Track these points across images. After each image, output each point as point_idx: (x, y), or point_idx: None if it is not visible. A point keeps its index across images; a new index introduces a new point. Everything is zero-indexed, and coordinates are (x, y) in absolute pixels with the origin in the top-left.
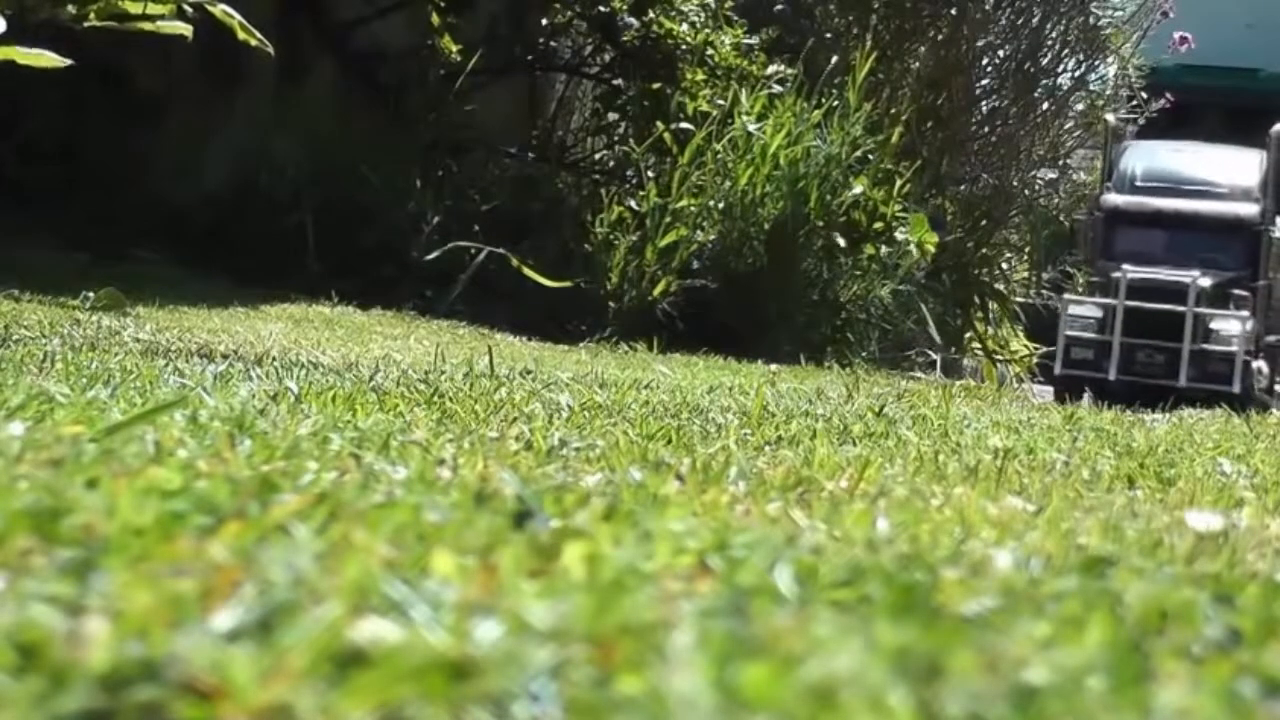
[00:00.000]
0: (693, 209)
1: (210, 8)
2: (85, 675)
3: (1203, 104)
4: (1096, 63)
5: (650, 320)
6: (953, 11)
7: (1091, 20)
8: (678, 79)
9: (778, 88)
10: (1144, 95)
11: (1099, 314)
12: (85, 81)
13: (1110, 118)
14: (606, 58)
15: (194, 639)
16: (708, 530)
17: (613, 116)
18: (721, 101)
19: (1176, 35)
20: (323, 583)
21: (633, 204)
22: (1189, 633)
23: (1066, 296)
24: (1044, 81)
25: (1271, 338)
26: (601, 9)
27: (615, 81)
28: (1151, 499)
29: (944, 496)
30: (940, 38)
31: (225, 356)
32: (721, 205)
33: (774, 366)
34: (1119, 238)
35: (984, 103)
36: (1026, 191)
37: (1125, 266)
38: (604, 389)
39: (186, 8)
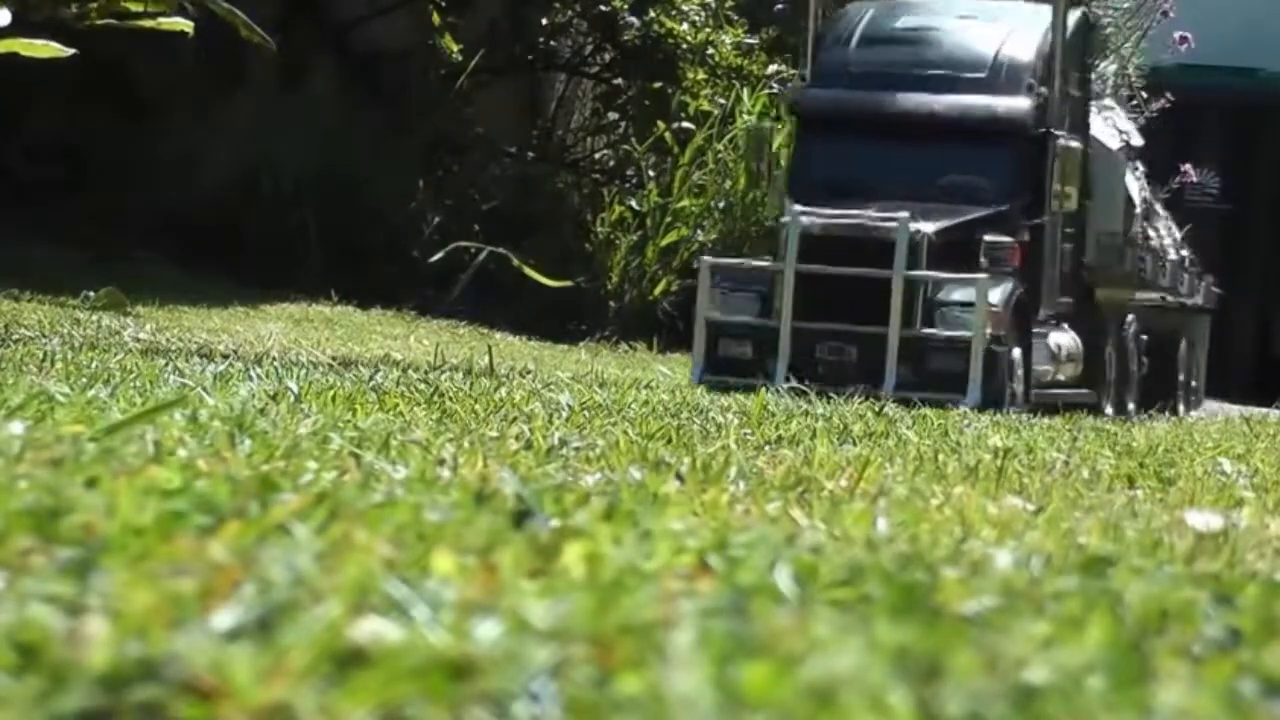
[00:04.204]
0: (694, 209)
1: (212, 5)
2: (85, 675)
3: (1203, 104)
4: (1096, 62)
5: (650, 320)
6: None
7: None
8: (678, 78)
9: (778, 87)
10: (1144, 95)
11: (762, 285)
12: (87, 83)
13: None
14: (606, 57)
15: (194, 639)
16: (708, 530)
17: (613, 116)
18: (722, 101)
19: (1176, 35)
20: (323, 582)
21: (633, 204)
22: (1189, 632)
23: (707, 258)
24: None
25: (1065, 300)
26: (602, 8)
27: (615, 81)
28: (1151, 498)
29: (944, 496)
30: None
31: (225, 356)
32: (723, 205)
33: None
34: (813, 158)
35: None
36: None
37: (796, 208)
38: (604, 389)
39: (187, 5)
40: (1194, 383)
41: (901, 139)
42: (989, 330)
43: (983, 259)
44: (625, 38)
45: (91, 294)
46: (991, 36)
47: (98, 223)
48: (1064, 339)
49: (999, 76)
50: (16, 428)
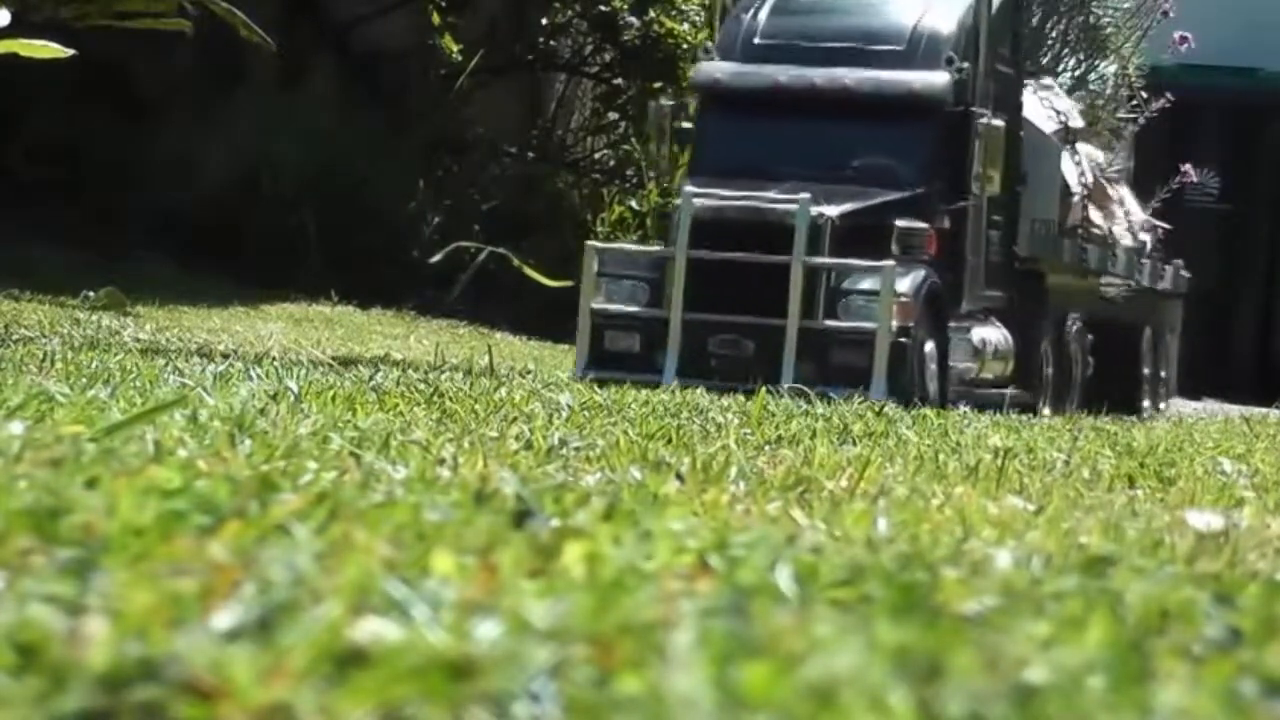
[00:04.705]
0: None
1: (212, 5)
2: (85, 675)
3: (1203, 104)
4: (1096, 62)
5: None
6: None
7: (1091, 20)
8: (678, 78)
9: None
10: (1144, 95)
11: (650, 272)
12: (87, 83)
13: None
14: (606, 57)
15: (194, 639)
16: (708, 529)
17: (613, 116)
18: None
19: (1176, 35)
20: (323, 582)
21: (634, 204)
22: (1189, 632)
23: (593, 243)
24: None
25: (993, 293)
26: (602, 8)
27: (615, 81)
28: (1152, 498)
29: (944, 496)
30: None
31: (225, 356)
32: None
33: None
34: (714, 137)
35: None
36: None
37: (689, 189)
38: (604, 388)
39: (187, 5)
40: (1163, 373)
41: (810, 116)
42: (896, 322)
43: (895, 246)
44: (625, 38)
45: (91, 294)
46: (910, 7)
47: (98, 223)
48: (991, 334)
49: (917, 50)
50: (16, 428)
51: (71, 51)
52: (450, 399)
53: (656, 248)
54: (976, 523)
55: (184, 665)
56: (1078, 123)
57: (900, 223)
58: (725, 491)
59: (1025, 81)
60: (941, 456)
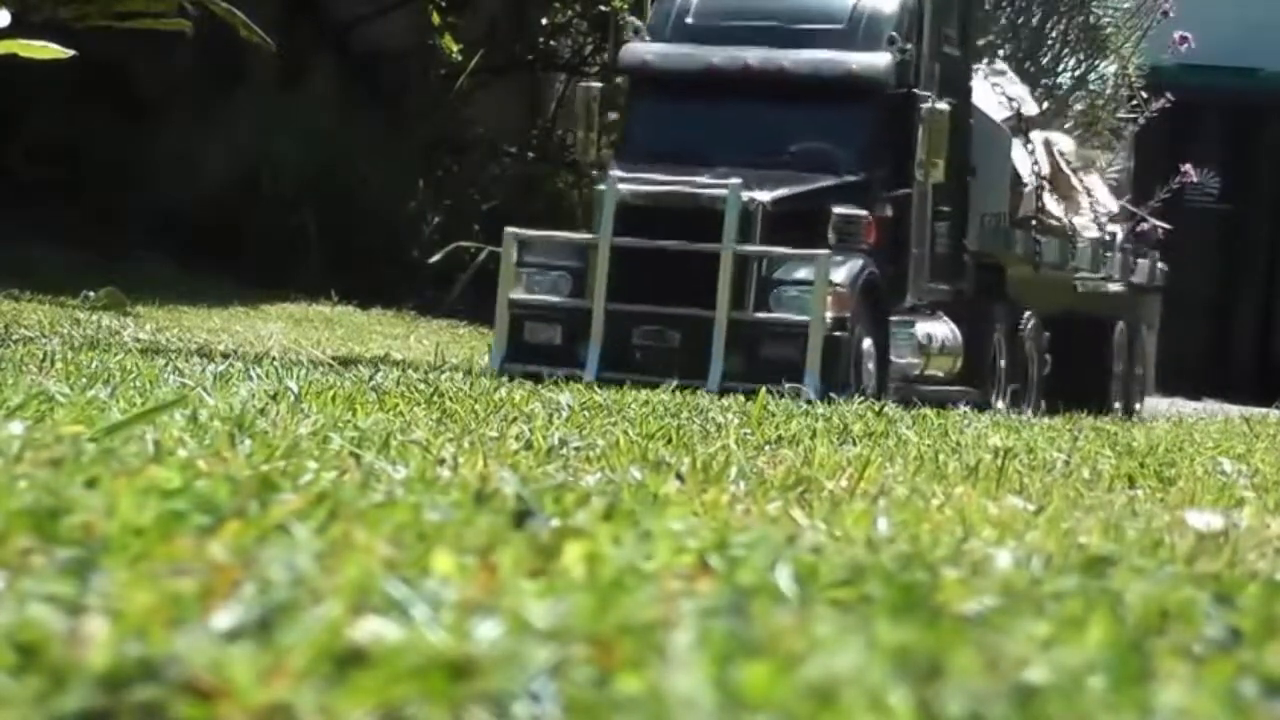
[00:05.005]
0: None
1: (212, 5)
2: (85, 675)
3: (1203, 104)
4: (1097, 62)
5: None
6: None
7: (1091, 20)
8: None
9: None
10: (1144, 95)
11: (573, 261)
12: (87, 83)
13: None
14: (606, 57)
15: (194, 639)
16: (708, 529)
17: (613, 116)
18: None
19: (1176, 35)
20: (323, 582)
21: None
22: (1189, 632)
23: (511, 229)
24: (1044, 81)
25: (939, 286)
26: (602, 8)
27: (616, 81)
28: (1152, 498)
29: (944, 496)
30: None
31: (225, 356)
32: None
33: None
34: (644, 121)
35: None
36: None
37: (614, 173)
38: (604, 388)
39: (187, 5)
40: (1139, 370)
41: (744, 99)
42: (830, 314)
43: (832, 234)
44: (626, 38)
45: (91, 294)
46: None
47: (98, 223)
48: (937, 329)
49: (857, 29)
50: (16, 428)
51: (71, 52)
52: (450, 399)
53: (579, 235)
54: (976, 523)
55: (184, 665)
56: (1031, 110)
57: (838, 210)
58: (725, 491)
59: (975, 66)
60: (941, 456)
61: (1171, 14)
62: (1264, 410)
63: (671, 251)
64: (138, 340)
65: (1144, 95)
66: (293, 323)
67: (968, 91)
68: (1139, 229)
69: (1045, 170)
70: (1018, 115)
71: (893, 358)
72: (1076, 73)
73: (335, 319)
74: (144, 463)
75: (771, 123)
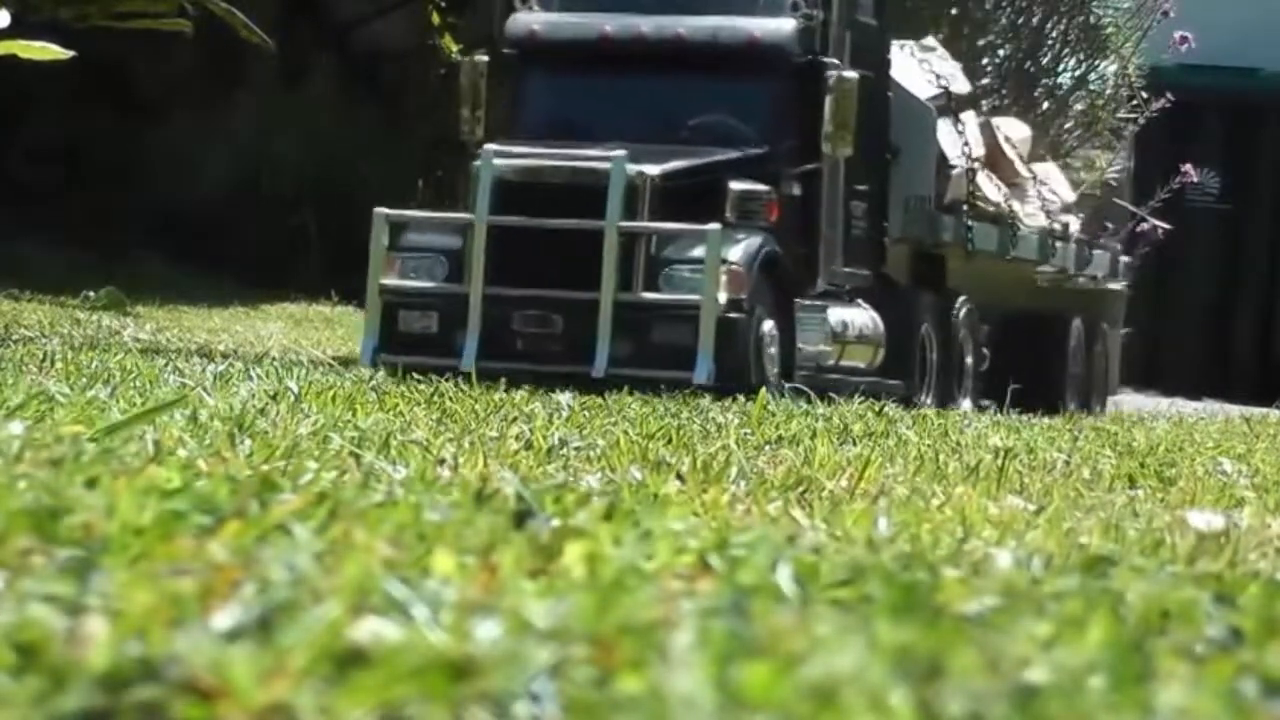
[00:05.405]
0: None
1: (211, 5)
2: (85, 675)
3: (1203, 104)
4: (1097, 62)
5: None
6: (953, 11)
7: (1091, 20)
8: None
9: None
10: (1144, 95)
11: (450, 243)
12: (87, 83)
13: None
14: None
15: (194, 639)
16: (708, 529)
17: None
18: None
19: (1176, 35)
20: (323, 582)
21: None
22: (1190, 632)
23: (381, 210)
24: (1044, 81)
25: (858, 271)
26: None
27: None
28: (1152, 498)
29: (944, 496)
30: (940, 38)
31: (225, 356)
32: None
33: None
34: (530, 94)
35: (984, 102)
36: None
37: (490, 147)
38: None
39: (187, 5)
40: (1099, 370)
41: (639, 70)
42: (725, 294)
43: (730, 211)
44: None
45: (91, 294)
46: None
47: (98, 223)
48: (856, 317)
49: None
50: (16, 428)
51: (71, 54)
52: (450, 399)
53: (456, 215)
54: (977, 523)
55: (184, 665)
56: (962, 88)
57: (736, 185)
58: (725, 491)
59: (902, 42)
60: (941, 456)
61: (1171, 14)
62: (1264, 410)
63: (554, 231)
64: (138, 340)
65: (1144, 95)
66: (293, 323)
67: (885, 64)
68: (1139, 228)
69: (979, 152)
70: (946, 94)
71: (800, 344)
72: (1076, 73)
73: (335, 319)
74: (144, 463)
75: (668, 94)
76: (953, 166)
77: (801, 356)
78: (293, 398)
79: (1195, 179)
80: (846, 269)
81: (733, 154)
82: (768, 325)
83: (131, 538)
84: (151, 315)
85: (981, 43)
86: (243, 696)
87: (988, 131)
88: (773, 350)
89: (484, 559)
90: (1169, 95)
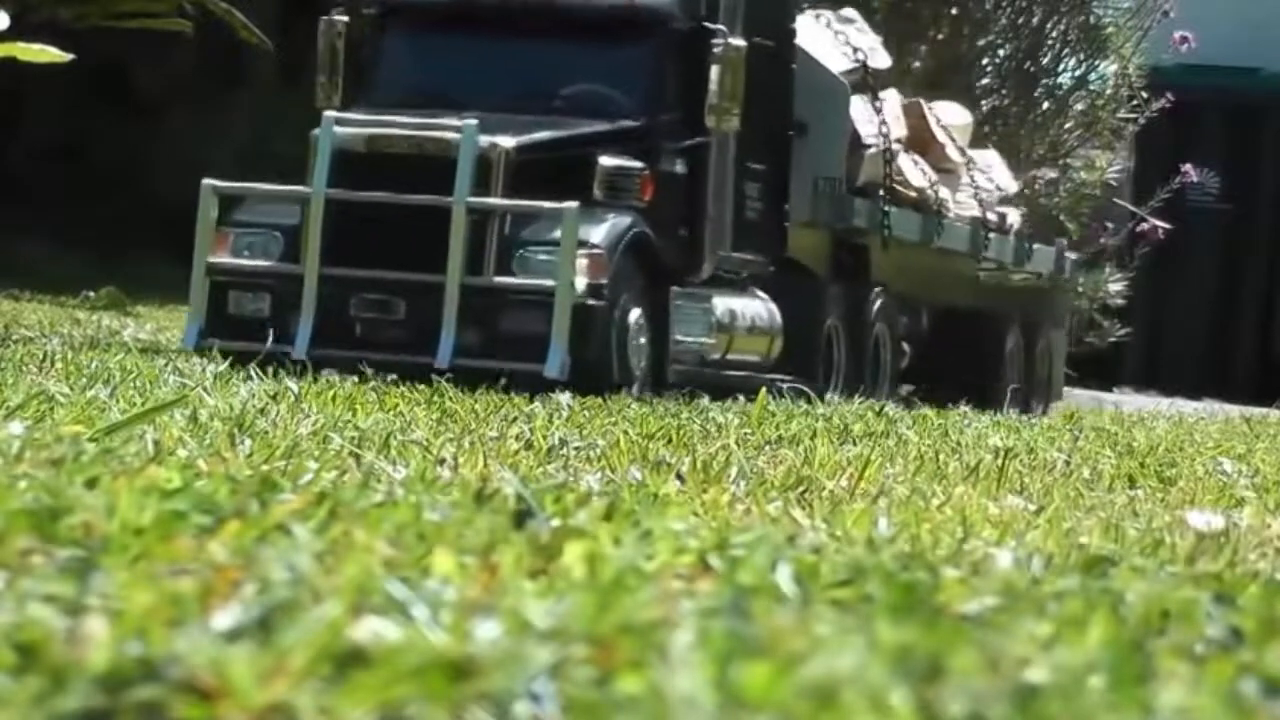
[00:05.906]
0: None
1: (211, 5)
2: (85, 675)
3: (1203, 104)
4: (1097, 62)
5: None
6: (953, 11)
7: (1092, 20)
8: None
9: None
10: (1144, 95)
11: (285, 219)
12: (87, 83)
13: None
14: None
15: (194, 639)
16: (708, 529)
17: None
18: None
19: (1176, 35)
20: (323, 582)
21: None
22: (1190, 632)
23: (209, 181)
24: (1044, 81)
25: (751, 257)
26: None
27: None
28: (1152, 498)
29: (944, 496)
30: (940, 38)
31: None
32: None
33: None
34: (388, 58)
35: (984, 102)
36: (1026, 191)
37: (331, 114)
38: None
39: (186, 5)
40: (1041, 371)
41: (506, 34)
42: (583, 279)
43: (598, 189)
44: None
45: (91, 294)
46: None
47: (98, 222)
48: (746, 306)
49: None
50: (16, 428)
51: (70, 56)
52: (450, 399)
53: (292, 188)
54: (977, 523)
55: (184, 665)
56: (882, 62)
57: (606, 160)
58: (725, 491)
59: (817, 12)
60: (942, 456)
61: (1171, 14)
62: (1264, 410)
63: (399, 207)
64: (138, 340)
65: (1144, 95)
66: None
67: (789, 33)
68: (1139, 228)
69: (900, 133)
70: (863, 68)
71: (677, 335)
72: (1076, 73)
73: None
74: (144, 463)
75: (537, 60)
76: (867, 146)
77: (679, 349)
78: (293, 398)
79: (1195, 179)
80: (739, 254)
81: (603, 126)
82: (634, 314)
83: (131, 538)
84: (151, 315)
85: (981, 43)
86: (243, 696)
87: (915, 112)
88: (640, 341)
89: (484, 559)
90: (1169, 95)
